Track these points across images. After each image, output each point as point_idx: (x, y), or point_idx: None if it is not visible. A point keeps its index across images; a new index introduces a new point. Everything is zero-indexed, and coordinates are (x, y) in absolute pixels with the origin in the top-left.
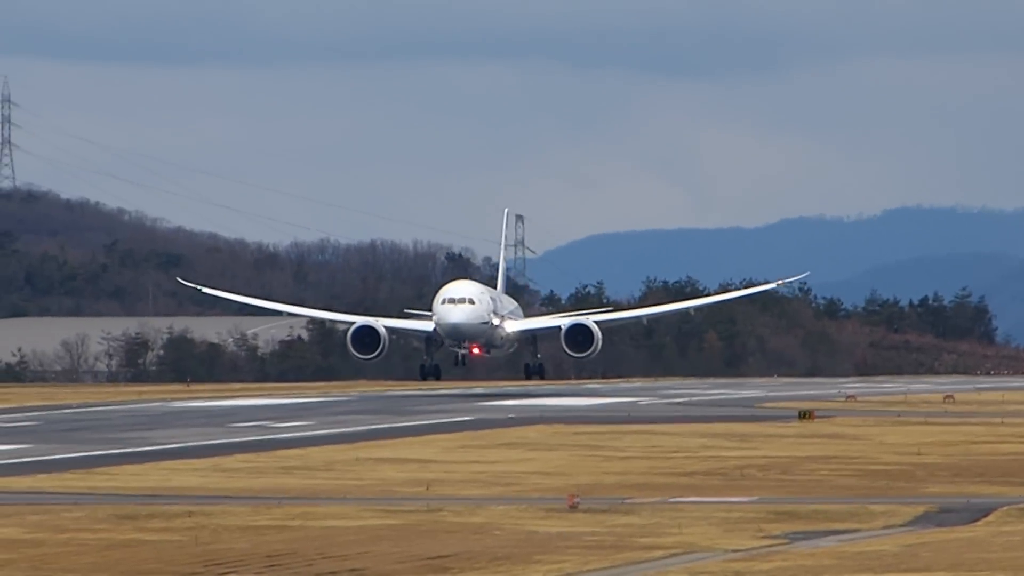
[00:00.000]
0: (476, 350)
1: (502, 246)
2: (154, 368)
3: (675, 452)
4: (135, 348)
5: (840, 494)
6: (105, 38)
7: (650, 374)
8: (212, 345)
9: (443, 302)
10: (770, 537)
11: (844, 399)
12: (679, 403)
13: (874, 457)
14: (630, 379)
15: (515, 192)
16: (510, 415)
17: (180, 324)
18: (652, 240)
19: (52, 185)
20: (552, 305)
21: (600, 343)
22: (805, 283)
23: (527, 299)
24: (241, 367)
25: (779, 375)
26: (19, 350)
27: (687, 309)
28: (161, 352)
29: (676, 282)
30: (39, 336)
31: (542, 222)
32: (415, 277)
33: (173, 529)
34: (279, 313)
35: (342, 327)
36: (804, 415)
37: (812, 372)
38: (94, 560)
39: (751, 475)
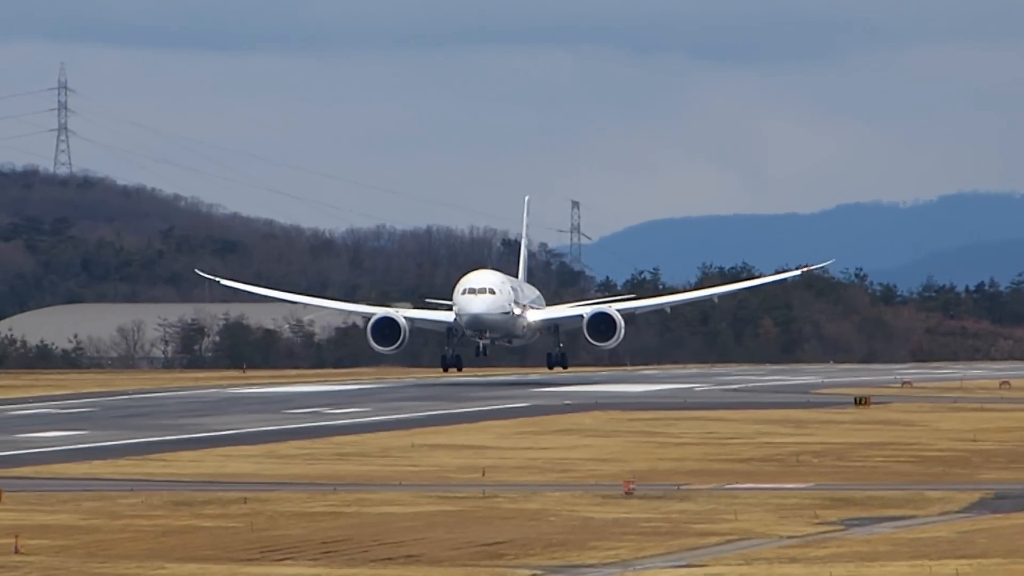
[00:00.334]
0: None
1: (523, 233)
2: (210, 354)
3: (731, 438)
4: (191, 334)
5: (896, 480)
6: (161, 24)
7: (705, 360)
8: (268, 331)
9: (463, 292)
10: (825, 523)
11: (900, 385)
12: (735, 389)
13: (930, 443)
14: (685, 365)
15: (571, 178)
16: (566, 401)
17: (236, 310)
18: (708, 226)
19: (108, 171)
20: (608, 291)
21: (623, 332)
22: (861, 269)
23: (583, 285)
24: (297, 353)
25: (835, 361)
26: (75, 336)
27: (711, 296)
28: (217, 338)
29: (732, 268)
30: (95, 322)
31: (598, 208)
32: (471, 263)
33: (229, 515)
34: (297, 304)
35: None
36: (860, 401)
37: (868, 358)
38: (150, 546)
39: (807, 461)
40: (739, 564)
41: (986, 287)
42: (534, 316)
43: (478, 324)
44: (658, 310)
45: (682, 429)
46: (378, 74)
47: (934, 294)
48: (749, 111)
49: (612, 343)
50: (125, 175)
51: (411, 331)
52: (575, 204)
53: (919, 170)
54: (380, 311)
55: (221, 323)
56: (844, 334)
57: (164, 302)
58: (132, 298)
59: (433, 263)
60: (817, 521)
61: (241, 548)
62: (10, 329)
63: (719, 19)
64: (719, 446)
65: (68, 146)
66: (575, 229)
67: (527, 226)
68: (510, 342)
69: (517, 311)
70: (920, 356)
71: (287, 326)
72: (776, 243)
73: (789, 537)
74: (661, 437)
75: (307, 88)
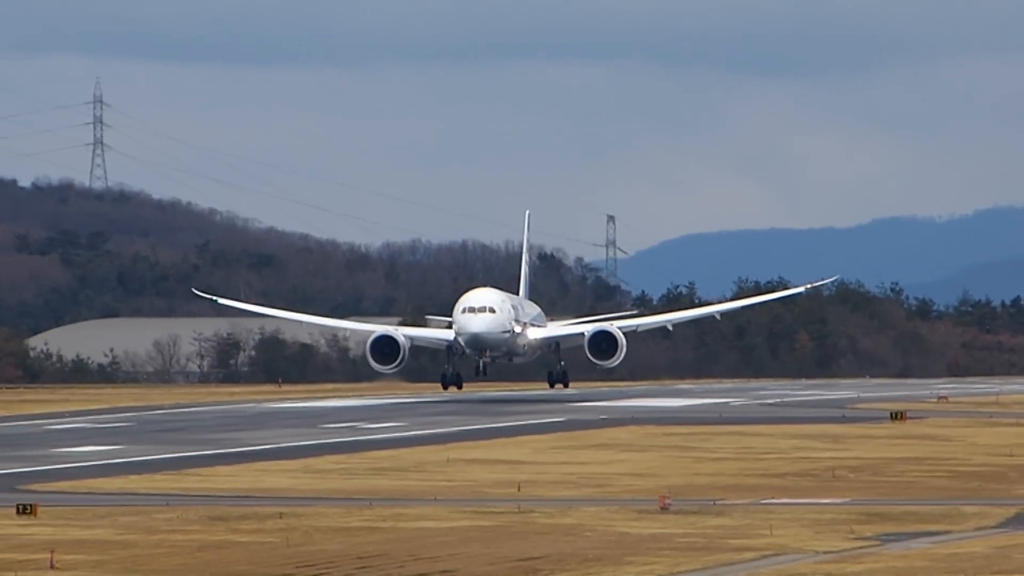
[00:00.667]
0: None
1: (524, 248)
2: (246, 369)
3: (767, 453)
4: (227, 349)
5: (932, 495)
6: (196, 38)
7: (741, 375)
8: (304, 346)
9: (463, 311)
10: (861, 539)
11: (936, 400)
12: (770, 404)
13: (966, 458)
14: (721, 380)
15: (607, 192)
16: (602, 416)
17: (272, 325)
18: (744, 240)
19: (144, 185)
20: (643, 305)
21: (624, 350)
22: (897, 283)
23: (619, 300)
24: (333, 368)
25: (871, 376)
26: (111, 351)
27: (712, 314)
28: (253, 353)
29: (768, 282)
30: (131, 337)
31: (634, 222)
32: (507, 277)
33: (265, 530)
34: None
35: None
36: (896, 416)
37: (904, 373)
38: (185, 561)
39: (843, 476)
40: None
41: (1022, 302)
42: (535, 334)
43: (478, 343)
44: (678, 324)
45: (718, 444)
46: (413, 88)
47: (970, 308)
48: (785, 125)
49: (614, 361)
50: (160, 189)
51: (411, 349)
52: (611, 218)
53: (955, 184)
54: (380, 328)
55: (257, 337)
56: (880, 349)
57: (200, 316)
58: (168, 312)
59: (468, 277)
60: (853, 536)
61: (277, 563)
62: (46, 343)
63: (754, 33)
64: (755, 461)
65: (104, 160)
66: (611, 243)
67: (527, 240)
68: (511, 360)
69: (518, 329)
70: (956, 371)
71: (323, 340)
72: (812, 257)
73: (825, 552)
74: (697, 452)
75: (343, 102)
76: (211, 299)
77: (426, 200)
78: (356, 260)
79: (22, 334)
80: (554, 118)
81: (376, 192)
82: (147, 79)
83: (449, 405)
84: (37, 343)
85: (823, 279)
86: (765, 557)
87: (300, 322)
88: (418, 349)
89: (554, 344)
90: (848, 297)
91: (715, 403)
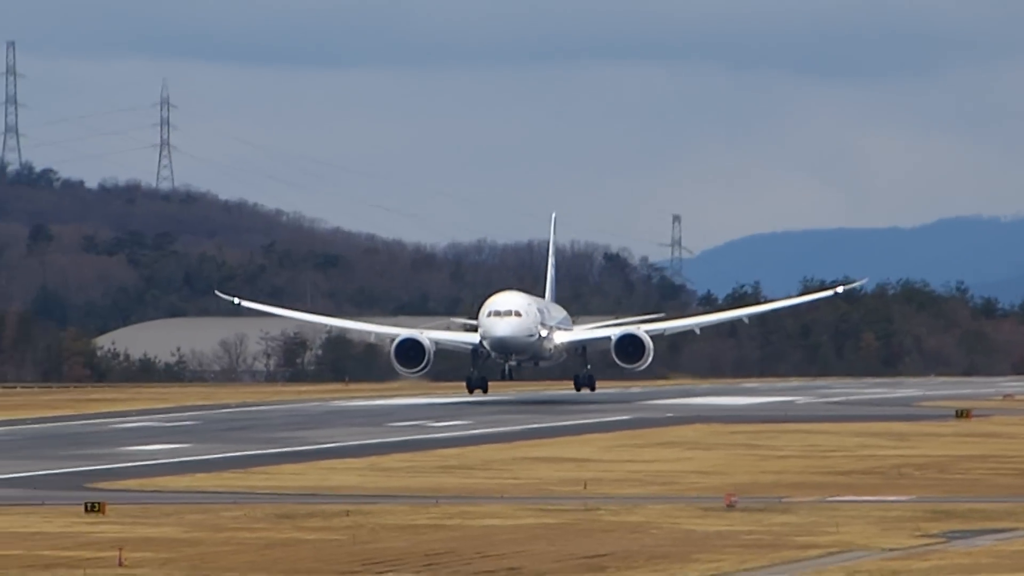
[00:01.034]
0: None
1: (550, 251)
2: (312, 368)
3: (832, 451)
4: (293, 348)
5: (997, 493)
6: (262, 40)
7: (806, 373)
8: (370, 345)
9: (489, 314)
10: (927, 536)
11: (1002, 398)
12: (836, 402)
13: None
14: (787, 378)
15: (672, 192)
16: (668, 414)
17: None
18: (809, 240)
19: (210, 186)
20: (709, 305)
21: (651, 353)
22: (963, 282)
23: (684, 299)
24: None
25: (936, 374)
26: (178, 350)
27: (740, 318)
28: (319, 352)
29: (833, 281)
30: (198, 336)
31: (699, 222)
32: (572, 277)
33: (331, 528)
34: (325, 325)
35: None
36: (961, 414)
37: (969, 371)
38: (253, 559)
39: (908, 474)
40: None
41: None
42: (561, 338)
43: (504, 347)
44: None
45: (784, 442)
46: (478, 89)
47: None
48: (850, 125)
49: (641, 365)
50: (227, 190)
51: (436, 353)
52: (676, 218)
53: (1020, 183)
54: (405, 332)
55: (323, 337)
56: (945, 347)
57: (266, 316)
58: (234, 312)
59: (534, 277)
60: (919, 534)
61: (344, 561)
62: (113, 343)
63: (819, 34)
64: (821, 459)
65: (171, 161)
66: (676, 243)
67: (553, 243)
68: (536, 364)
69: (544, 333)
70: (1021, 369)
71: (389, 340)
72: (878, 257)
73: (891, 550)
74: (763, 450)
75: (408, 103)
76: (232, 301)
77: (492, 200)
78: (422, 260)
79: (90, 334)
80: (620, 119)
81: (442, 192)
82: (213, 81)
83: (514, 404)
84: (104, 343)
85: (856, 280)
86: (831, 554)
87: (325, 325)
88: (443, 352)
89: (580, 348)
90: (913, 296)
91: (781, 401)
